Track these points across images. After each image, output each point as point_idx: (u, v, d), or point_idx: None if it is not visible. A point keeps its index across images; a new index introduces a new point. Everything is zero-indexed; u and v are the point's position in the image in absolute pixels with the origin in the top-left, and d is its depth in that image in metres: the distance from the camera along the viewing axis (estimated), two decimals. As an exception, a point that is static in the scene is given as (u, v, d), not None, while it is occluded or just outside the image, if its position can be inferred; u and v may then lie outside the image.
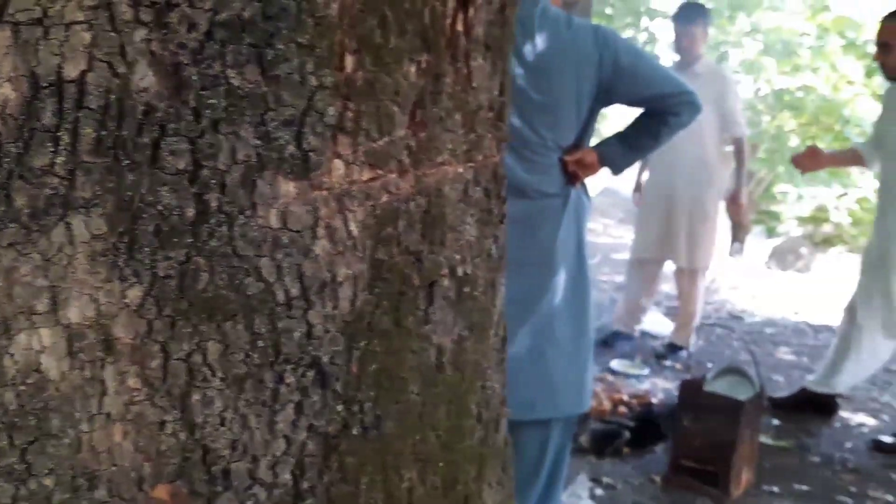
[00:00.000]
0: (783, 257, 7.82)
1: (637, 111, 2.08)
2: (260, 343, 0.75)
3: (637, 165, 4.01)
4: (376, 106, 0.78)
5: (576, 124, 1.94)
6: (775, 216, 8.58)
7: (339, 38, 0.75)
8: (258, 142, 0.73)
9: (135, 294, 0.72)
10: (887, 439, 3.11)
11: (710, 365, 3.77)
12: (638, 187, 4.30)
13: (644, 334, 4.32)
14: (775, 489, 2.73)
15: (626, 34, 8.74)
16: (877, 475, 2.88)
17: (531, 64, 1.84)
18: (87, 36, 0.69)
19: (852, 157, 3.49)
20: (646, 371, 3.81)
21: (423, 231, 0.85)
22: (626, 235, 5.49)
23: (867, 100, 8.03)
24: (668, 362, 4.01)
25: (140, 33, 0.69)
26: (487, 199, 0.95)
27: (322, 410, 0.79)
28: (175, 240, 0.72)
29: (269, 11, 0.72)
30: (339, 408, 0.80)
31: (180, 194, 0.71)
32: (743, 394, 2.66)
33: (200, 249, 0.72)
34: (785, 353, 4.40)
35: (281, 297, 0.76)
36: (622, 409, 3.19)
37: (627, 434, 2.95)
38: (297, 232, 0.75)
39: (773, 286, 6.20)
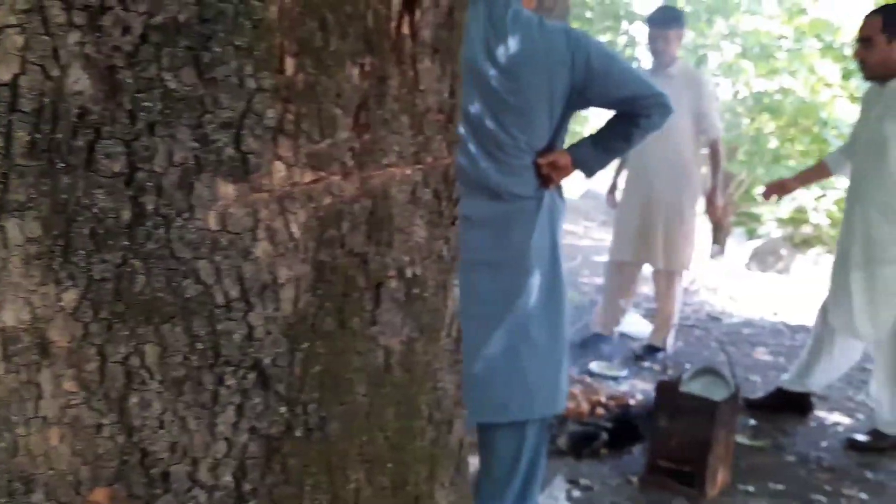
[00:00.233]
0: (763, 258, 7.88)
1: (610, 114, 2.08)
2: (199, 345, 0.75)
3: (613, 167, 4.03)
4: (318, 108, 0.78)
5: (548, 126, 1.94)
6: (755, 218, 8.63)
7: (279, 41, 0.75)
8: (196, 144, 0.73)
9: (70, 297, 0.72)
10: (862, 438, 3.13)
11: (688, 366, 3.79)
12: (612, 189, 4.32)
13: (623, 336, 4.34)
14: (751, 488, 2.74)
15: (606, 37, 8.78)
16: (852, 473, 2.90)
17: (504, 66, 1.84)
18: (19, 39, 0.69)
19: (818, 172, 3.53)
20: (624, 373, 3.83)
21: (368, 233, 0.85)
22: (607, 238, 5.52)
23: (845, 102, 8.11)
24: (646, 363, 4.02)
25: (74, 36, 0.69)
26: (437, 200, 0.95)
27: (264, 412, 0.79)
28: (111, 242, 0.72)
29: (206, 14, 0.72)
30: (282, 409, 0.80)
31: (116, 197, 0.71)
32: (718, 394, 2.67)
33: (137, 252, 0.72)
34: (762, 354, 4.43)
35: (220, 299, 0.75)
36: (600, 410, 3.19)
37: (605, 435, 2.96)
38: (237, 234, 0.75)
39: (753, 287, 6.24)
